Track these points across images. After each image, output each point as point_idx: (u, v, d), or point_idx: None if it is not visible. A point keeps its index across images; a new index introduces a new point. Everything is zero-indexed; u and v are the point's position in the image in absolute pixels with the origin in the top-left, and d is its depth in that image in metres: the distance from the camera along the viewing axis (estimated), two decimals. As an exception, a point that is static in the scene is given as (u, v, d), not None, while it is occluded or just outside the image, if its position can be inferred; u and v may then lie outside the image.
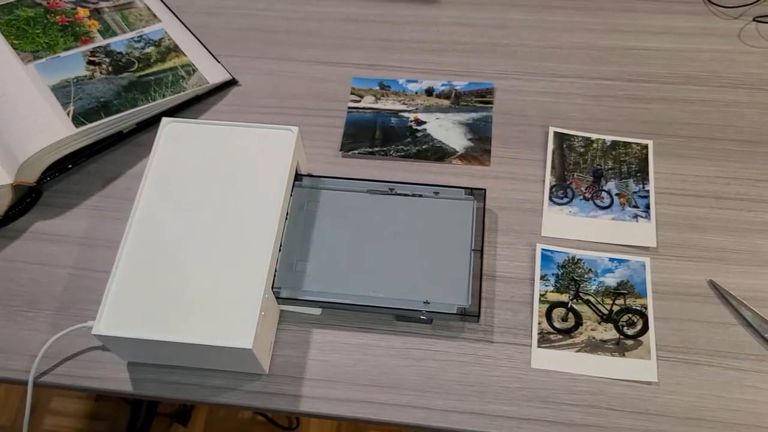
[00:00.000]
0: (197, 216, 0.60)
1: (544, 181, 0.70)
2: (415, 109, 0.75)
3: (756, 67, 0.76)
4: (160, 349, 0.57)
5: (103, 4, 0.80)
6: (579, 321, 0.62)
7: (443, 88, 0.76)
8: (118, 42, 0.77)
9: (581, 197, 0.68)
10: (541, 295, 0.63)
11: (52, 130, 0.67)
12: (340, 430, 1.31)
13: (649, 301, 0.63)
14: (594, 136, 0.72)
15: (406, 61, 0.79)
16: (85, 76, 0.73)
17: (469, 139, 0.72)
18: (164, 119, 0.66)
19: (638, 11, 0.82)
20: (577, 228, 0.67)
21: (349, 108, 0.75)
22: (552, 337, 0.61)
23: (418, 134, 0.73)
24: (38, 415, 1.35)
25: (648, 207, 0.67)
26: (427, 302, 0.60)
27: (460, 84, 0.76)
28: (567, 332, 0.61)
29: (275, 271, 0.60)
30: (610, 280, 0.64)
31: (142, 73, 0.74)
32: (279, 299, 0.61)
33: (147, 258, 0.58)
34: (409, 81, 0.77)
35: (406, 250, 0.62)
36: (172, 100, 0.73)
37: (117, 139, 0.72)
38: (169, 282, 0.57)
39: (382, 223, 0.64)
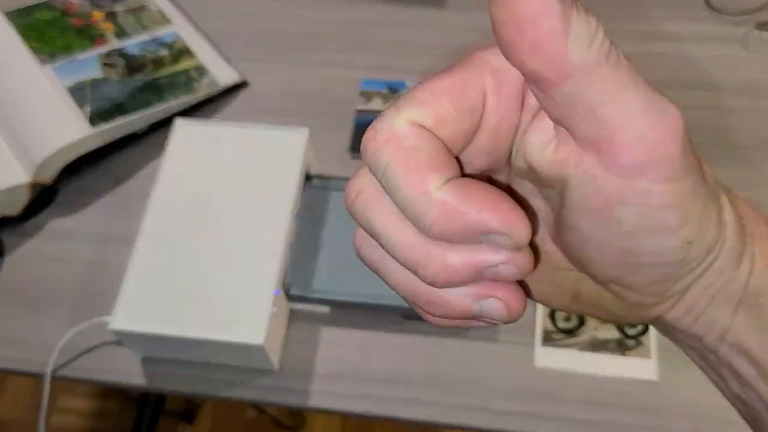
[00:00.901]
0: (209, 215, 0.62)
1: (548, 183, 0.71)
2: (423, 113, 0.77)
3: (759, 74, 0.78)
4: (174, 344, 0.59)
5: (117, 8, 0.82)
6: (582, 321, 0.63)
7: (450, 92, 0.78)
8: (132, 44, 0.78)
9: (585, 200, 0.70)
10: (545, 295, 0.65)
11: (69, 131, 0.69)
12: (345, 430, 1.32)
13: (651, 302, 0.64)
14: (598, 140, 0.73)
15: (414, 65, 0.80)
16: (101, 77, 0.74)
17: (476, 142, 0.74)
18: (177, 120, 0.67)
19: (644, 18, 0.83)
20: (580, 230, 0.68)
21: (358, 110, 0.77)
22: (555, 336, 0.63)
23: (426, 137, 0.75)
24: (46, 412, 1.37)
25: (650, 210, 0.69)
26: (433, 301, 0.62)
27: (466, 88, 0.78)
28: (570, 332, 0.63)
29: (285, 269, 0.62)
30: (613, 281, 0.65)
31: (155, 75, 0.76)
32: (289, 297, 0.62)
33: (161, 255, 0.60)
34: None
35: (414, 250, 0.64)
36: (184, 101, 0.75)
37: (131, 139, 0.74)
38: (183, 279, 0.59)
39: (390, 223, 0.65)
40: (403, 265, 0.21)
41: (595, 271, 0.22)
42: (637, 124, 0.19)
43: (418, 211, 0.19)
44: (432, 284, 0.21)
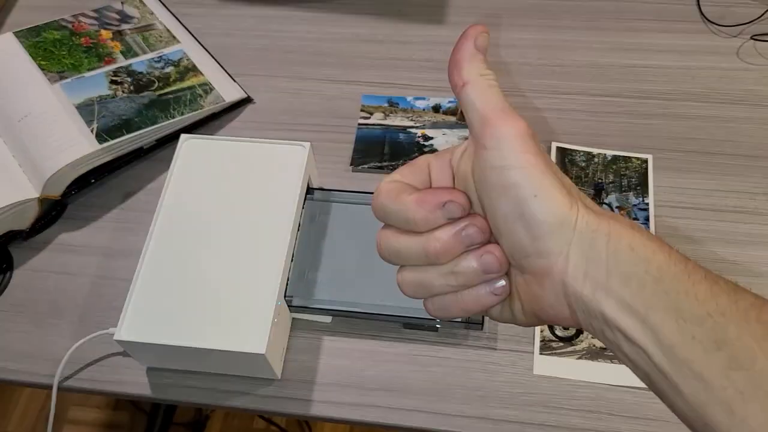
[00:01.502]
0: (214, 227, 0.63)
1: (546, 194, 0.72)
2: (423, 125, 0.78)
3: (754, 84, 0.79)
4: (178, 354, 0.60)
5: (125, 27, 0.84)
6: (580, 329, 0.64)
7: (450, 104, 0.79)
8: (140, 62, 0.80)
9: (583, 210, 0.71)
10: (544, 304, 0.65)
11: (77, 147, 0.71)
12: (352, 440, 1.33)
13: (649, 310, 0.65)
14: (595, 151, 0.74)
15: (414, 79, 0.82)
16: (108, 95, 0.76)
17: (475, 154, 0.75)
18: (183, 136, 0.69)
19: (639, 30, 0.84)
20: (578, 239, 0.69)
21: (359, 124, 0.78)
22: (554, 344, 0.63)
23: (426, 149, 0.76)
24: (56, 424, 1.38)
25: (648, 219, 0.70)
26: (432, 310, 0.62)
27: (466, 101, 0.79)
28: (568, 340, 0.63)
29: (287, 280, 0.63)
30: (611, 290, 0.66)
31: (161, 91, 0.78)
32: (291, 307, 0.63)
33: (166, 267, 0.61)
34: (416, 98, 0.80)
35: (413, 261, 0.65)
36: (190, 117, 0.76)
37: (137, 154, 0.75)
38: (187, 290, 0.60)
39: (390, 234, 0.66)
40: (418, 259, 0.34)
41: (509, 247, 0.33)
42: (497, 114, 0.33)
43: (404, 214, 0.34)
44: (438, 259, 0.33)
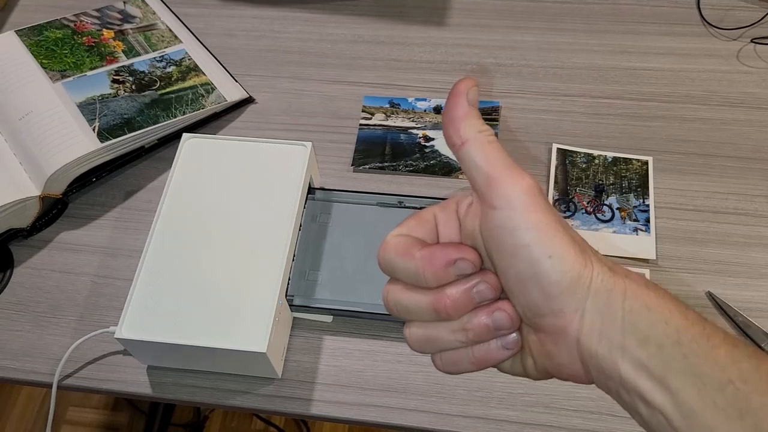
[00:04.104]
0: (215, 226, 0.63)
1: (547, 195, 0.72)
2: (424, 126, 0.78)
3: (753, 87, 0.79)
4: (179, 353, 0.60)
5: (127, 26, 0.84)
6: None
7: (451, 106, 0.79)
8: (141, 62, 0.80)
9: (583, 211, 0.71)
10: (544, 305, 0.65)
11: (78, 145, 0.71)
12: (350, 442, 1.33)
13: (649, 311, 0.65)
14: (596, 153, 0.75)
15: (415, 81, 0.82)
16: (110, 94, 0.76)
17: (476, 155, 0.75)
18: (185, 135, 0.69)
19: (640, 33, 0.84)
20: (579, 240, 0.69)
21: (361, 125, 0.78)
22: (554, 345, 0.63)
23: (426, 150, 0.76)
24: (55, 424, 1.38)
25: (648, 221, 0.70)
26: (433, 310, 0.62)
27: (467, 102, 0.79)
28: (569, 341, 0.63)
29: (289, 279, 0.63)
30: (611, 291, 0.66)
31: (163, 91, 0.78)
32: (292, 306, 0.63)
33: (167, 266, 0.61)
34: (418, 99, 0.80)
35: (414, 261, 0.65)
36: (191, 117, 0.76)
37: (139, 153, 0.75)
38: (188, 289, 0.60)
39: (391, 234, 0.66)
40: (427, 315, 0.33)
41: (522, 305, 0.32)
42: (502, 171, 0.31)
43: (413, 270, 0.33)
44: (449, 316, 0.33)
